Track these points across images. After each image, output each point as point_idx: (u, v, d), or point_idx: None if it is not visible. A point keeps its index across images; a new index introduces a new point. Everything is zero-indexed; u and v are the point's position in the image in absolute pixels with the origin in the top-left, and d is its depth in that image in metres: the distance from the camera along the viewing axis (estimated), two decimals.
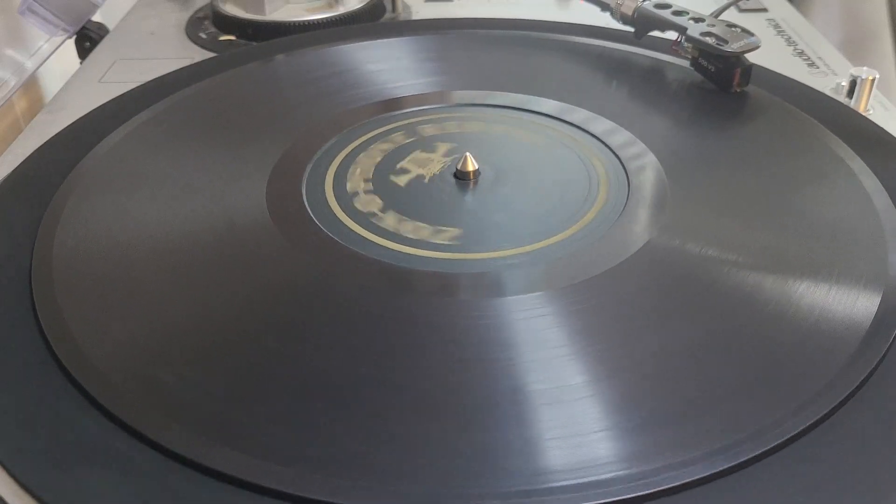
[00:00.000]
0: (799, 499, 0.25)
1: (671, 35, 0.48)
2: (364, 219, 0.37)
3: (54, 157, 0.42)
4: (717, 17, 0.48)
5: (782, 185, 0.39)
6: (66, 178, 0.39)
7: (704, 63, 0.47)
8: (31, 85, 0.65)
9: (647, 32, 0.50)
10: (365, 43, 0.53)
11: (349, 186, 0.39)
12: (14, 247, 0.35)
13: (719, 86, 0.46)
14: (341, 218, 0.37)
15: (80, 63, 0.61)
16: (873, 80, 0.48)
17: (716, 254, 0.34)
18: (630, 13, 0.50)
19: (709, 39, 0.45)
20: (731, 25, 0.46)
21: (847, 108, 0.47)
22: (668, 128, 0.44)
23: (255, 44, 0.58)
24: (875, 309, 0.31)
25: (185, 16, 0.64)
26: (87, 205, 0.38)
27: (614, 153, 0.42)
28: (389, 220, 0.37)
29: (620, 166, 0.40)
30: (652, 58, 0.50)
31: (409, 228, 0.37)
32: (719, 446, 0.26)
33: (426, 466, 0.26)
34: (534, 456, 0.26)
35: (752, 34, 0.45)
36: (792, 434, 0.26)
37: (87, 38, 0.62)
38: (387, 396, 0.28)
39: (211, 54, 0.57)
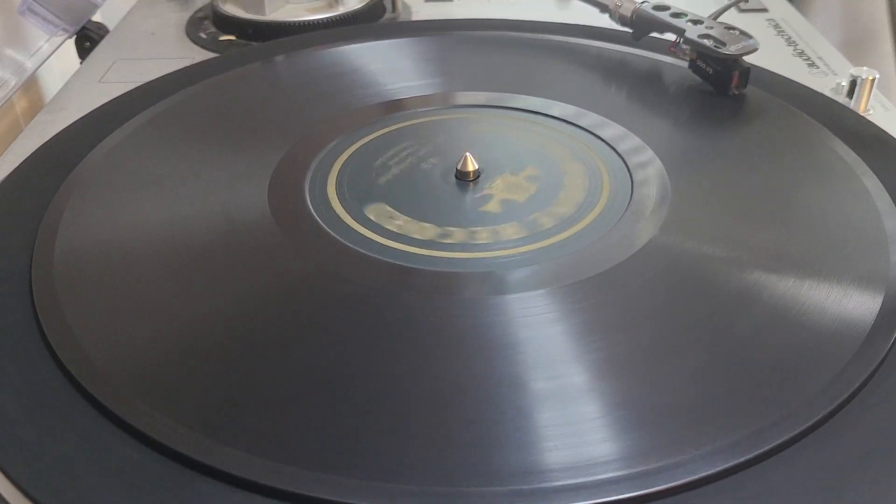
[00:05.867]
0: (799, 499, 0.25)
1: (671, 36, 0.48)
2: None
3: (54, 158, 0.42)
4: (715, 18, 0.48)
5: (783, 185, 0.39)
6: (66, 179, 0.39)
7: (703, 65, 0.46)
8: (31, 85, 0.65)
9: (646, 34, 0.50)
10: (365, 43, 0.53)
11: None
12: (14, 247, 0.35)
13: (717, 88, 0.46)
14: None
15: (80, 63, 0.61)
16: (873, 80, 0.48)
17: (717, 253, 0.35)
18: (628, 15, 0.50)
19: (707, 42, 0.45)
20: (729, 28, 0.46)
21: (847, 108, 0.47)
22: (670, 128, 0.44)
23: (255, 44, 0.58)
24: (877, 309, 0.31)
25: (185, 16, 0.64)
26: (88, 205, 0.38)
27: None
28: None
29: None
30: (654, 59, 0.50)
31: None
32: (719, 446, 0.26)
33: (426, 465, 0.26)
34: (534, 455, 0.26)
35: (750, 36, 0.45)
36: (792, 434, 0.26)
37: (87, 38, 0.62)
38: (387, 395, 0.28)
39: (211, 54, 0.57)
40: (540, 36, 0.53)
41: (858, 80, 0.48)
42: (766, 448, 0.26)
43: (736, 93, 0.46)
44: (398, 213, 0.38)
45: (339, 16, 0.60)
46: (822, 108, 0.45)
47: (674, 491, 0.25)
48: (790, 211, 0.37)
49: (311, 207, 0.38)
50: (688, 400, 0.28)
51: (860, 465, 0.26)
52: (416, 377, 0.29)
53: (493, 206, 0.38)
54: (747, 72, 0.45)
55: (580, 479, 0.25)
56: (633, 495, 0.25)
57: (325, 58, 0.51)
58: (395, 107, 0.46)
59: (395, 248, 0.35)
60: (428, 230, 0.36)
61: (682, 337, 0.30)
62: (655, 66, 0.49)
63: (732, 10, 0.62)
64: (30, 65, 0.61)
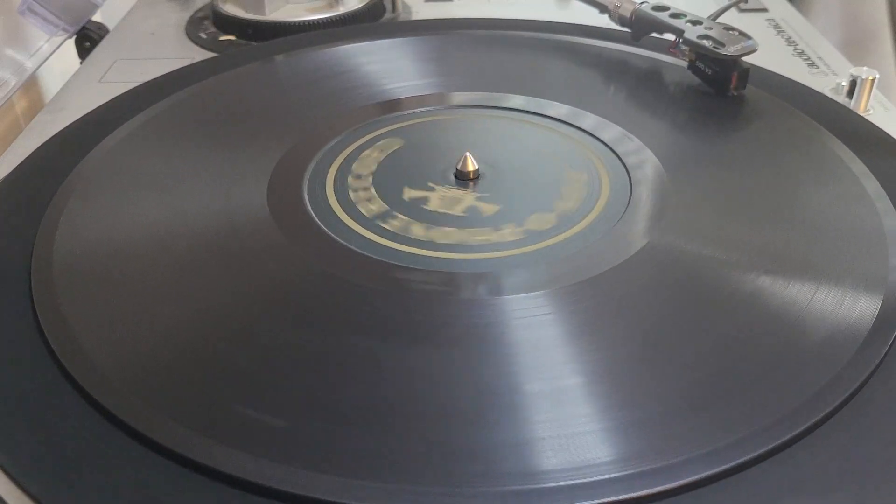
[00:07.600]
0: (798, 499, 0.25)
1: (670, 37, 0.48)
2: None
3: (54, 157, 0.42)
4: (715, 19, 0.47)
5: (782, 186, 0.39)
6: (66, 178, 0.39)
7: (702, 66, 0.46)
8: (31, 85, 0.65)
9: (645, 35, 0.50)
10: (365, 43, 0.53)
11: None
12: (14, 247, 0.35)
13: (716, 89, 0.46)
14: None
15: (80, 63, 0.61)
16: (873, 81, 0.48)
17: (716, 255, 0.35)
18: (628, 15, 0.50)
19: (706, 42, 0.45)
20: (728, 28, 0.46)
21: (847, 108, 0.47)
22: (669, 128, 0.44)
23: (255, 44, 0.58)
24: (875, 310, 0.31)
25: (185, 16, 0.64)
26: (88, 205, 0.38)
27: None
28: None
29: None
30: (653, 58, 0.50)
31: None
32: (719, 446, 0.26)
33: (423, 466, 0.26)
34: (532, 456, 0.26)
35: (749, 37, 0.45)
36: (792, 434, 0.26)
37: (87, 38, 0.62)
38: (386, 396, 0.28)
39: (211, 54, 0.57)
40: (540, 35, 0.53)
41: (858, 80, 0.48)
42: (764, 449, 0.26)
43: (735, 94, 0.46)
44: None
45: (339, 16, 0.60)
46: (821, 108, 0.45)
47: (671, 492, 0.25)
48: (789, 212, 0.37)
49: (309, 208, 0.38)
50: (686, 401, 0.28)
51: (859, 465, 0.26)
52: (414, 377, 0.29)
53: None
54: (746, 72, 0.45)
55: (577, 480, 0.25)
56: (631, 496, 0.25)
57: (325, 58, 0.51)
58: (394, 106, 0.46)
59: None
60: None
61: (680, 338, 0.30)
62: (654, 66, 0.49)
63: (732, 10, 0.62)
64: (30, 65, 0.61)
